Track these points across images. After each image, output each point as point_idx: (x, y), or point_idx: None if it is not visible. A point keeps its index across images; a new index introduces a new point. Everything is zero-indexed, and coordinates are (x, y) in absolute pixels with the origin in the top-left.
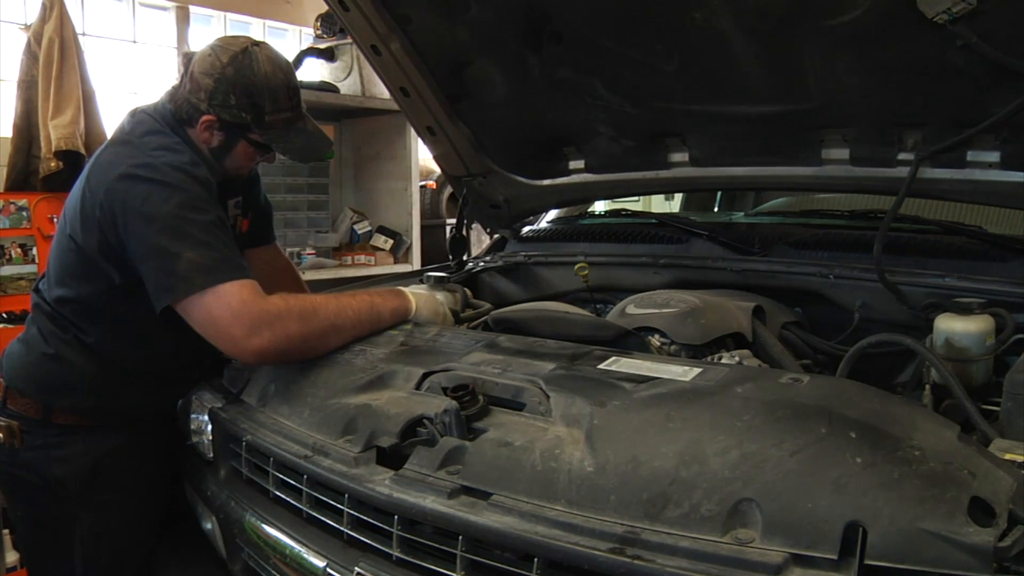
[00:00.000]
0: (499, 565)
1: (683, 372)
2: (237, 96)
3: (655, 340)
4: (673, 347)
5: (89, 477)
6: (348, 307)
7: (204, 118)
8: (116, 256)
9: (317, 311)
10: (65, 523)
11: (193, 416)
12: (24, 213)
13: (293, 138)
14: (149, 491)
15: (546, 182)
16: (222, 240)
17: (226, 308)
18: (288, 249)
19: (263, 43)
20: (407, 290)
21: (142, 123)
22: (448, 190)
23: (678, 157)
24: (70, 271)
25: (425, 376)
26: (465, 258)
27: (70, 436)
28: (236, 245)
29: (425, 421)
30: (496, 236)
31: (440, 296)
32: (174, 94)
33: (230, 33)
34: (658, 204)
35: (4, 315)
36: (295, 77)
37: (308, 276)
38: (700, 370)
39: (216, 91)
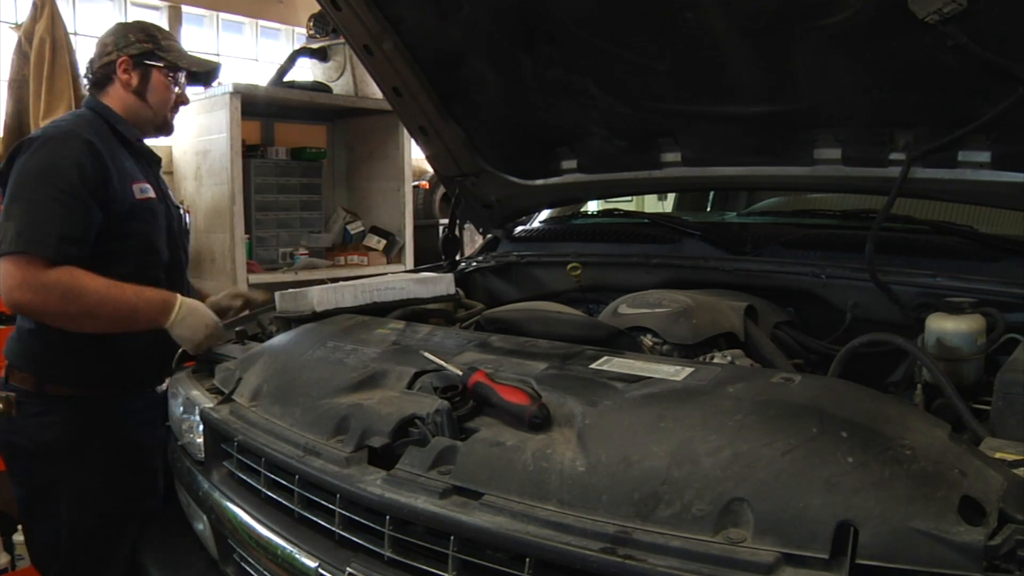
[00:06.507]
0: (491, 565)
1: (675, 372)
2: (134, 32)
3: (647, 340)
4: (665, 347)
5: (73, 441)
6: (111, 301)
7: (119, 62)
8: None
9: (81, 297)
10: (52, 485)
11: (184, 416)
12: None
13: (188, 57)
14: (131, 463)
15: (538, 182)
16: (47, 212)
17: (10, 269)
18: (280, 249)
19: None
20: (178, 304)
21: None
22: (441, 190)
23: (670, 157)
24: None
25: (417, 376)
26: (458, 258)
27: (58, 405)
28: (76, 217)
29: (417, 421)
30: (489, 236)
31: (212, 318)
32: (90, 82)
33: (223, 34)
34: (651, 204)
35: None
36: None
37: (301, 277)
38: (692, 370)
39: (118, 38)
